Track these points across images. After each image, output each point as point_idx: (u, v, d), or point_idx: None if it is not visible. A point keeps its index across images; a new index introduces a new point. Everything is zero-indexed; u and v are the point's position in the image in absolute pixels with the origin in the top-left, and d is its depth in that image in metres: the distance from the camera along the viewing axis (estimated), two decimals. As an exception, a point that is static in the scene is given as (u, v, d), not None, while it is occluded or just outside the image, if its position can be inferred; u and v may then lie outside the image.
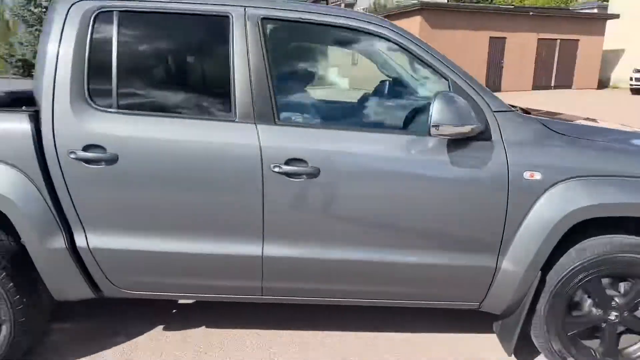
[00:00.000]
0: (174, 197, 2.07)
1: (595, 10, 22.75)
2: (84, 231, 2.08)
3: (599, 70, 21.63)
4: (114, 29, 2.05)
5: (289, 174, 2.04)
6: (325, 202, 2.10)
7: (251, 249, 2.13)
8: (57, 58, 2.01)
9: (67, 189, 2.02)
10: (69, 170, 2.00)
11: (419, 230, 2.15)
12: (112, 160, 2.00)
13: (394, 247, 2.16)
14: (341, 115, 3.06)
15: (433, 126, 1.94)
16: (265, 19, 2.12)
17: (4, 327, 2.05)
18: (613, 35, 20.82)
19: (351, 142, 2.12)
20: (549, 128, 2.18)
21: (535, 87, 20.66)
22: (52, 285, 2.15)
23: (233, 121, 2.08)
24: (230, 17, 2.09)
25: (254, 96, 2.07)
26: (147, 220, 2.09)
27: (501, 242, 2.12)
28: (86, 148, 1.99)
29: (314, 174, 2.04)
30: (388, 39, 2.16)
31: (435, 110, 1.93)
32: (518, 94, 17.98)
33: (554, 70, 21.28)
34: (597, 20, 21.46)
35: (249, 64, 2.07)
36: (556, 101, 15.37)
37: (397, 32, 2.17)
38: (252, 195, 2.06)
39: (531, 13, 20.43)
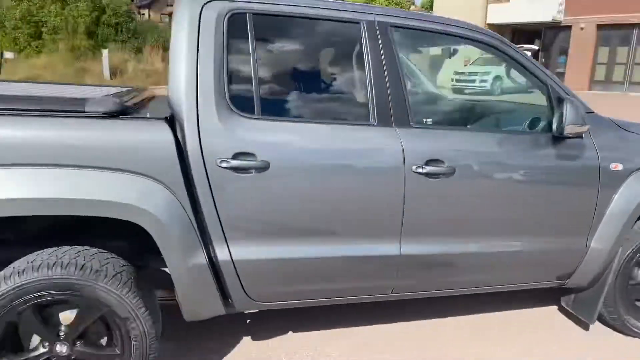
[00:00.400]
0: (320, 202, 2.09)
1: None
2: (227, 243, 2.00)
3: None
4: (249, 33, 2.01)
5: (428, 174, 2.17)
6: (460, 198, 2.27)
7: (389, 248, 2.21)
8: (197, 63, 1.92)
9: (213, 199, 1.93)
10: (217, 180, 1.92)
11: (536, 218, 2.44)
12: (263, 167, 1.95)
13: (513, 236, 2.43)
14: (466, 116, 3.25)
15: (568, 125, 2.23)
16: (394, 27, 2.22)
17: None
18: None
19: (481, 141, 2.34)
20: (619, 126, 2.62)
21: None
22: (187, 305, 2.05)
23: (374, 125, 2.15)
24: (362, 24, 2.15)
25: (390, 100, 2.16)
26: (291, 227, 2.08)
27: (591, 224, 2.48)
28: (236, 156, 1.93)
29: (450, 173, 2.19)
30: (498, 49, 2.43)
31: (569, 113, 2.23)
32: None
33: None
34: None
35: (384, 70, 2.15)
36: None
37: (506, 44, 2.47)
38: (394, 196, 2.15)
39: None
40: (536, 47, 22.75)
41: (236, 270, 2.04)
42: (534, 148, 2.39)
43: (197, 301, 2.06)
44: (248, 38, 2.01)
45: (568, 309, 2.84)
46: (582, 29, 21.37)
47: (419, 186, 2.17)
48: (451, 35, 2.44)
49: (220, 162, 1.91)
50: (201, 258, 1.97)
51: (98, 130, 1.80)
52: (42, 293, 1.72)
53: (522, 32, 24.01)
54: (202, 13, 1.95)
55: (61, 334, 1.84)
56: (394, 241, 2.22)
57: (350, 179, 2.12)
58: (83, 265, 1.76)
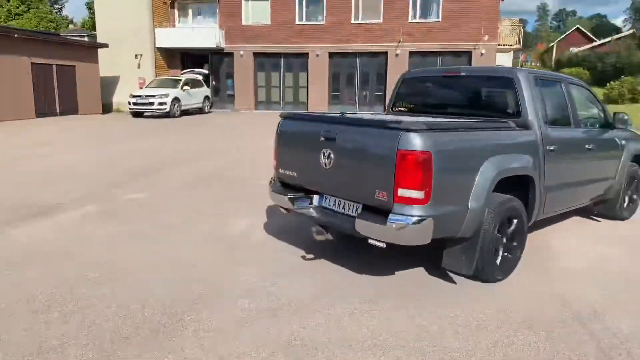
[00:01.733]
0: (578, 169, 4.68)
1: (86, 39, 23.82)
2: (544, 185, 4.10)
3: (100, 95, 22.39)
4: (539, 87, 4.34)
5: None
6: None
7: None
8: (533, 102, 4.17)
9: (544, 164, 4.06)
10: (546, 156, 4.07)
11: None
12: (554, 150, 4.15)
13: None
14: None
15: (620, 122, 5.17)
16: (537, 78, 4.31)
17: None
18: (108, 63, 23.11)
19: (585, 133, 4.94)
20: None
21: (40, 114, 18.96)
22: (534, 213, 4.09)
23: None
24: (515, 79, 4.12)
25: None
26: (566, 180, 4.49)
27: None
28: (550, 144, 4.13)
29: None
30: (588, 89, 5.28)
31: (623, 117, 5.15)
32: (21, 123, 16.73)
33: (56, 97, 20.14)
34: (89, 48, 22.23)
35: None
36: (69, 127, 15.87)
37: (589, 88, 5.36)
38: None
39: (16, 35, 18.15)
40: (206, 71, 24.31)
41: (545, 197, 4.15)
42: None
43: (538, 211, 4.10)
44: (541, 89, 4.28)
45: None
46: (241, 55, 24.17)
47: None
48: (567, 84, 4.82)
49: (548, 147, 4.08)
50: (540, 193, 4.01)
51: (517, 135, 3.92)
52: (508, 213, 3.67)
53: (191, 56, 25.26)
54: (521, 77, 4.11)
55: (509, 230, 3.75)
56: None
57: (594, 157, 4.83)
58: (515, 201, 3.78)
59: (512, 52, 47.46)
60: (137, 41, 23.43)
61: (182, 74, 23.58)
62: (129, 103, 19.64)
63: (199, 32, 23.44)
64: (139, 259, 4.01)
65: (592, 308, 3.24)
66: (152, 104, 19.08)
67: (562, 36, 52.88)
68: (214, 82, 25.31)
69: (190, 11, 24.83)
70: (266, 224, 5.06)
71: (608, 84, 22.10)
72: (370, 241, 3.37)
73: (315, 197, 3.95)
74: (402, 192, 3.16)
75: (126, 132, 14.35)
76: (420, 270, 3.86)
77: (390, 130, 3.23)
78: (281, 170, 4.20)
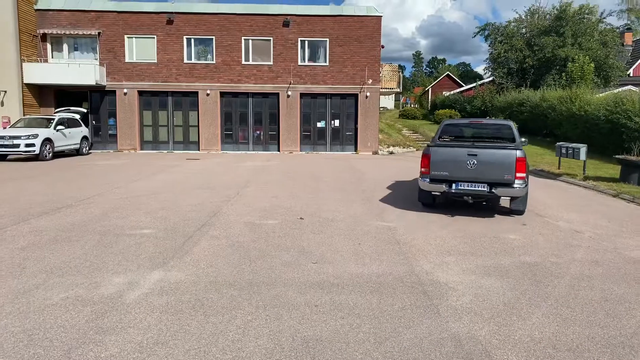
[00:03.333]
0: None
1: None
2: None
3: None
4: None
5: None
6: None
7: None
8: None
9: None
10: None
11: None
12: None
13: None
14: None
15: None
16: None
17: None
18: None
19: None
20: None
21: None
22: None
23: None
24: None
25: None
26: None
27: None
28: None
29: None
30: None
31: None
32: None
33: None
34: None
35: None
36: None
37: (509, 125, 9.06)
38: None
39: None
40: (84, 110, 22.43)
41: None
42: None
43: None
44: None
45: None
46: (125, 93, 22.78)
47: None
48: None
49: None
50: None
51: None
52: None
53: (68, 94, 23.17)
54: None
55: None
56: None
57: None
58: None
59: (393, 95, 51.44)
60: (1, 76, 20.92)
61: (55, 112, 21.45)
62: (-9, 145, 17.18)
63: (75, 69, 21.64)
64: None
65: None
66: (17, 145, 16.90)
67: (435, 81, 58.64)
68: (94, 122, 23.38)
69: (65, 46, 22.93)
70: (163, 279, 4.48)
71: (476, 124, 24.69)
72: (502, 198, 7.91)
73: (453, 185, 7.84)
74: (518, 174, 7.47)
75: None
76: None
77: (510, 150, 7.62)
78: (433, 172, 7.93)
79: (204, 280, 4.55)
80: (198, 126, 23.37)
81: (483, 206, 8.76)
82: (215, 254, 5.43)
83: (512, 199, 7.82)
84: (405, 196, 9.89)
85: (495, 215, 8.02)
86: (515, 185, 7.44)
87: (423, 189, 8.17)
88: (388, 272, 4.88)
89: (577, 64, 25.14)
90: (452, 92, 40.84)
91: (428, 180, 7.96)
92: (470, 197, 7.86)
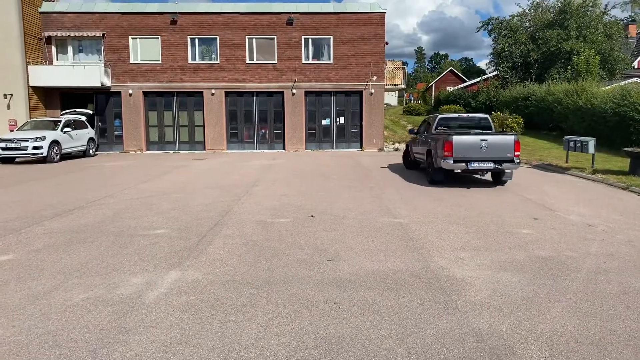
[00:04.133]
0: None
1: None
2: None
3: None
4: None
5: None
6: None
7: None
8: None
9: None
10: None
11: None
12: None
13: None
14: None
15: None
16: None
17: None
18: None
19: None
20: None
21: None
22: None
23: None
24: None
25: None
26: None
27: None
28: None
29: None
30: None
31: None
32: None
33: None
34: None
35: None
36: None
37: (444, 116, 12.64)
38: None
39: None
40: (90, 111, 22.52)
41: None
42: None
43: None
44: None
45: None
46: (130, 94, 22.85)
47: None
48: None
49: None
50: None
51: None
52: None
53: (73, 96, 23.26)
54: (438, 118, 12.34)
55: None
56: None
57: None
58: None
59: (396, 91, 51.34)
60: (5, 79, 21.02)
61: (62, 114, 21.54)
62: (-1, 150, 17.28)
63: (80, 70, 21.72)
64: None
65: (506, 341, 3.28)
66: (25, 148, 17.00)
67: (439, 77, 58.50)
68: (99, 123, 23.47)
69: (70, 48, 23.01)
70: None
71: (481, 119, 24.59)
72: (506, 171, 10.55)
73: (469, 164, 10.25)
74: (516, 153, 10.20)
75: (-8, 181, 12.51)
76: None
77: (509, 136, 10.48)
78: (455, 155, 10.19)
79: (222, 279, 4.57)
80: (203, 126, 23.42)
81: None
82: (230, 253, 5.45)
83: (504, 173, 10.76)
84: (415, 191, 9.88)
85: (506, 208, 8.00)
86: (516, 161, 10.30)
87: (446, 168, 10.55)
88: (404, 268, 4.89)
89: (582, 57, 25.00)
90: (455, 88, 40.73)
91: (452, 161, 10.31)
92: (483, 172, 11.16)
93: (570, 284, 4.44)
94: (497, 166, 10.26)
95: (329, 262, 5.11)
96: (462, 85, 42.34)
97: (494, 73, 35.55)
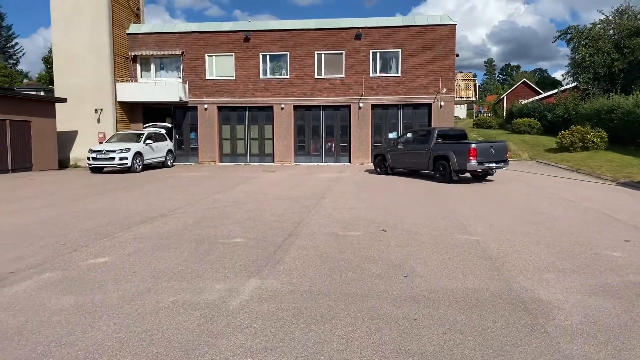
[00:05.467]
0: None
1: (43, 93, 22.82)
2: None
3: (56, 151, 21.70)
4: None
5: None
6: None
7: None
8: None
9: None
10: None
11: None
12: None
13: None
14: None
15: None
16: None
17: None
18: (66, 117, 22.69)
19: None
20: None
21: None
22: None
23: None
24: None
25: None
26: None
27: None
28: None
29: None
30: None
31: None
32: None
33: (8, 153, 19.34)
34: (47, 103, 21.63)
35: None
36: (20, 184, 16.12)
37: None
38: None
39: None
40: (169, 125, 23.98)
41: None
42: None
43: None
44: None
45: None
46: (205, 109, 24.09)
47: None
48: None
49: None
50: None
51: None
52: None
53: (154, 110, 24.94)
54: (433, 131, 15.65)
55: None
56: None
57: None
58: None
59: (465, 104, 49.97)
60: (97, 95, 22.99)
61: (144, 127, 23.12)
62: (88, 158, 18.92)
63: (161, 87, 23.29)
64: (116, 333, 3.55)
65: None
66: (112, 159, 18.45)
67: (511, 89, 56.23)
68: (177, 136, 24.94)
69: (152, 66, 24.77)
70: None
71: (560, 133, 23.29)
72: (495, 170, 14.65)
73: (483, 164, 13.83)
74: (507, 155, 14.94)
75: (86, 190, 13.65)
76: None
77: (503, 142, 15.24)
78: (479, 158, 13.61)
79: (299, 289, 4.67)
80: (273, 139, 24.14)
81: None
82: (305, 264, 5.55)
83: (495, 170, 14.55)
84: (492, 206, 9.53)
85: (592, 228, 7.49)
86: (508, 161, 15.06)
87: (469, 169, 13.90)
88: (484, 287, 4.73)
89: (675, 66, 22.99)
90: (529, 100, 38.92)
91: (476, 162, 13.69)
92: (492, 170, 14.46)
93: (674, 313, 4.07)
94: (497, 165, 14.19)
95: (404, 277, 5.06)
96: (536, 98, 40.38)
97: (573, 84, 33.59)
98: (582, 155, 20.69)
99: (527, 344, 3.48)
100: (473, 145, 13.67)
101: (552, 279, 5.03)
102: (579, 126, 23.15)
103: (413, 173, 17.05)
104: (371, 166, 21.99)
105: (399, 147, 16.57)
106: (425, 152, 15.16)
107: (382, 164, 17.25)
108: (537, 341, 3.51)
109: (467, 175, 15.25)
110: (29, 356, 3.27)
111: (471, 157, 13.54)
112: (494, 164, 14.03)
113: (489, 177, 15.26)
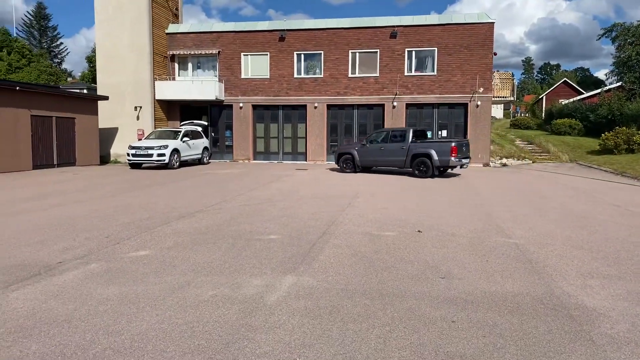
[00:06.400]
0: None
1: (86, 91, 24.09)
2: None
3: (98, 147, 22.73)
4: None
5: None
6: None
7: None
8: None
9: None
10: None
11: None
12: None
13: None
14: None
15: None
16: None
17: None
18: (107, 114, 23.68)
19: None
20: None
21: (36, 166, 19.31)
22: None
23: None
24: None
25: None
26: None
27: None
28: None
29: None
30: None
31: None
32: (19, 174, 17.16)
33: (54, 148, 20.37)
34: (90, 101, 22.62)
35: None
36: (67, 178, 16.46)
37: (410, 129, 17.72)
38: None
39: (17, 88, 18.61)
40: (205, 123, 24.47)
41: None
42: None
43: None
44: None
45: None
46: (240, 107, 24.44)
47: None
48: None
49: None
50: None
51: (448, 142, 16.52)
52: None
53: (190, 108, 25.51)
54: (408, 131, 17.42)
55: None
56: None
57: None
58: None
59: (502, 104, 48.74)
60: (136, 93, 23.71)
61: (181, 125, 23.68)
62: (128, 154, 19.55)
63: (198, 85, 23.79)
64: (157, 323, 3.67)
65: None
66: (151, 155, 18.99)
67: (550, 88, 54.49)
68: (212, 133, 25.43)
69: (190, 64, 25.33)
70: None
71: (603, 135, 22.42)
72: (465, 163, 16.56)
73: (461, 160, 16.07)
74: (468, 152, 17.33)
75: (126, 185, 14.11)
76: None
77: (467, 140, 17.59)
78: (458, 155, 15.68)
79: (335, 287, 4.69)
80: (306, 137, 24.26)
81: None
82: (340, 263, 5.57)
83: (466, 165, 16.59)
84: (534, 211, 9.28)
85: (638, 235, 7.19)
86: (470, 156, 17.18)
87: (451, 164, 15.69)
88: (524, 291, 4.62)
89: None
90: (570, 100, 37.59)
91: (456, 159, 15.45)
92: (466, 165, 16.41)
93: None
94: (464, 160, 16.09)
95: (441, 279, 5.00)
96: (577, 98, 38.97)
97: (618, 84, 32.25)
98: (627, 158, 19.84)
99: (572, 351, 3.38)
100: (454, 144, 15.42)
101: (596, 285, 4.86)
102: (624, 127, 22.21)
103: (386, 171, 18.60)
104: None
105: (367, 145, 17.54)
106: (402, 150, 16.55)
107: (350, 162, 18.00)
108: (582, 349, 3.41)
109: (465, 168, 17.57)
110: (79, 343, 3.42)
111: (453, 155, 15.29)
112: (464, 160, 16.01)
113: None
